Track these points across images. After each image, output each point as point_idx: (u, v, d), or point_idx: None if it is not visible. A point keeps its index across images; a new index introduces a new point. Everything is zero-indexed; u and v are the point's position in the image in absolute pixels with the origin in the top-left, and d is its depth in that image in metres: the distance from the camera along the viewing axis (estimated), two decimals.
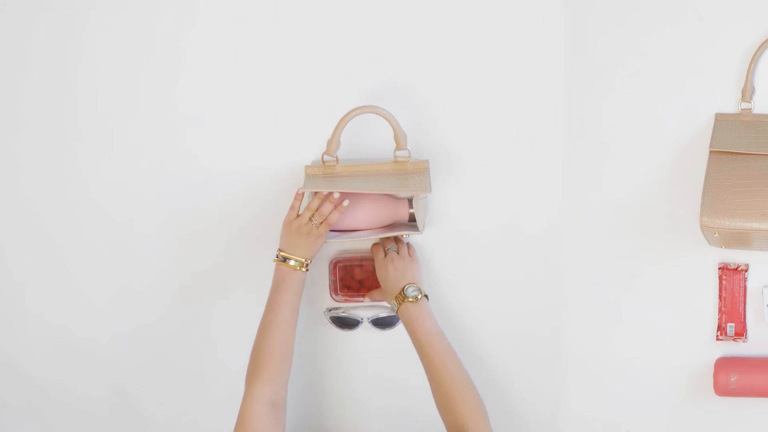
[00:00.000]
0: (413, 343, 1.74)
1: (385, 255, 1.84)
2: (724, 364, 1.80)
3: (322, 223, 1.78)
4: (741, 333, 1.81)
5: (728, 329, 1.82)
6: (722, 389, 1.79)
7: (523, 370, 1.90)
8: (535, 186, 1.87)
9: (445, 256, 1.89)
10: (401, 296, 1.77)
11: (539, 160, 1.86)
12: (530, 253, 1.89)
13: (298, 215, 1.80)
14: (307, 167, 1.83)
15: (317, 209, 1.77)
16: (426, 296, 1.78)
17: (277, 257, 1.80)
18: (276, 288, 1.79)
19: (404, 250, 1.85)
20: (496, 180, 1.87)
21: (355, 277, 1.89)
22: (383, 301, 1.85)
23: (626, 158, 1.84)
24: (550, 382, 1.90)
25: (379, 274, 1.83)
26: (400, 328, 1.82)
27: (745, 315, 1.81)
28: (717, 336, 1.82)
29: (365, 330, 1.91)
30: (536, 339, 1.90)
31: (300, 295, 1.79)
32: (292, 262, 1.78)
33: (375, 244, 1.88)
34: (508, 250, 1.89)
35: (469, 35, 1.84)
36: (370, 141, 1.85)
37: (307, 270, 1.80)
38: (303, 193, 1.79)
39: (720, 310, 1.82)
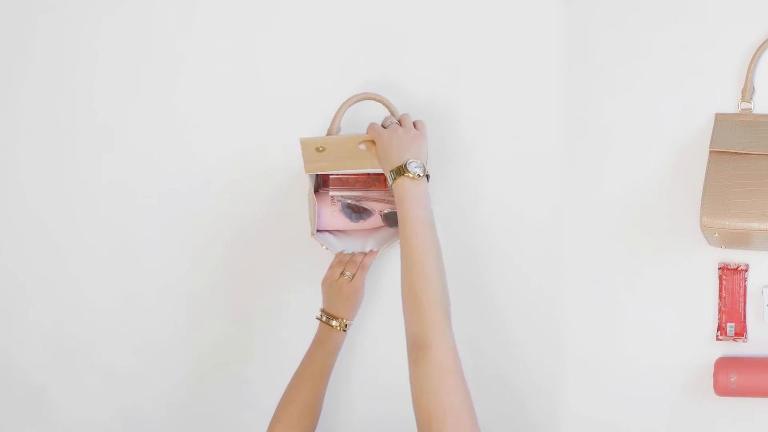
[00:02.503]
0: (400, 230, 1.55)
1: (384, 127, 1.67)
2: (724, 364, 1.80)
3: (355, 274, 1.77)
4: (741, 333, 1.81)
5: (728, 329, 1.82)
6: (722, 389, 1.79)
7: (522, 370, 1.90)
8: (534, 186, 1.87)
9: (444, 256, 1.85)
10: (402, 168, 1.57)
11: (539, 159, 1.86)
12: (530, 254, 1.89)
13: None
14: (302, 140, 1.72)
15: (348, 261, 1.78)
16: (428, 176, 1.60)
17: (320, 317, 1.79)
18: (313, 345, 1.77)
19: (409, 122, 1.67)
20: (495, 179, 1.87)
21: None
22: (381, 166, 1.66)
23: (626, 158, 1.85)
24: (549, 382, 1.90)
25: (380, 143, 1.63)
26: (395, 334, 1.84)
27: (745, 315, 1.81)
28: (717, 336, 1.82)
29: (358, 335, 1.91)
30: (536, 339, 1.89)
31: (334, 355, 1.77)
32: (333, 323, 1.77)
33: (369, 125, 1.70)
34: (506, 250, 1.89)
35: (469, 34, 1.84)
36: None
37: (345, 331, 1.78)
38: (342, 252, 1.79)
39: (720, 310, 1.82)
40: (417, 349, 1.44)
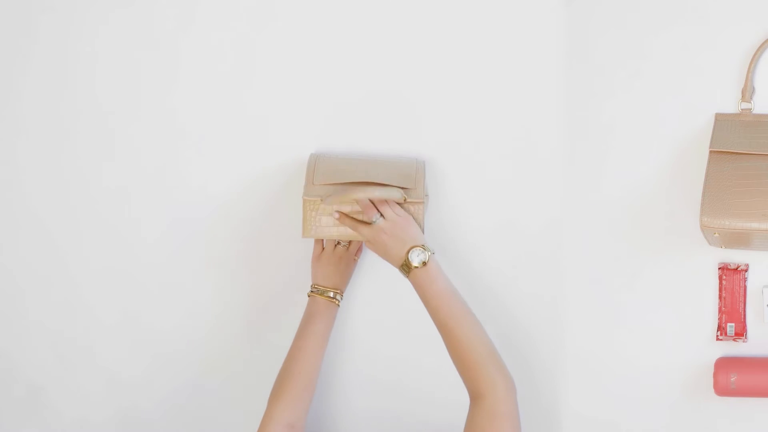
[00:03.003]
0: (425, 306, 1.65)
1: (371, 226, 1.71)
2: (724, 364, 1.80)
3: (350, 243, 1.80)
4: (741, 333, 1.81)
5: (728, 329, 1.82)
6: (722, 389, 1.79)
7: (523, 371, 1.89)
8: (534, 186, 1.87)
9: (444, 256, 1.87)
10: (407, 266, 1.66)
11: (539, 160, 1.86)
12: (530, 254, 1.89)
13: (323, 248, 1.82)
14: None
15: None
16: (432, 253, 1.67)
17: (313, 291, 1.81)
18: (308, 319, 1.79)
19: (389, 212, 1.71)
20: (495, 180, 1.87)
21: None
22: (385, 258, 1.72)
23: (626, 158, 1.84)
24: (550, 383, 1.90)
25: (376, 250, 1.71)
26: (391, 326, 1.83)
27: (745, 315, 1.81)
28: (717, 336, 1.82)
29: (356, 331, 1.91)
30: (536, 339, 1.89)
31: (330, 328, 1.80)
32: (330, 294, 1.79)
33: (356, 223, 1.74)
34: (507, 250, 1.88)
35: (469, 35, 1.84)
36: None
37: (339, 303, 1.81)
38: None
39: (720, 310, 1.82)
40: (473, 399, 1.58)
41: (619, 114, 1.84)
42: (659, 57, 1.82)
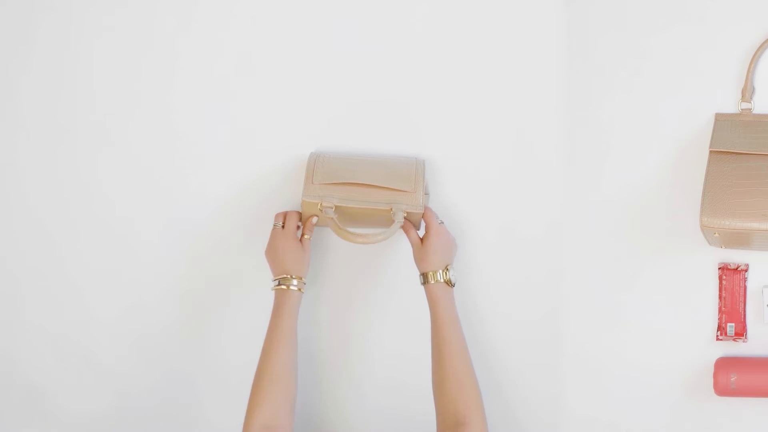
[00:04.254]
0: (433, 322, 1.73)
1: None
2: (724, 364, 1.80)
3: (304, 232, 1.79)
4: (741, 333, 1.81)
5: (728, 329, 1.82)
6: (722, 389, 1.78)
7: (523, 371, 1.90)
8: (534, 186, 1.87)
9: None
10: (444, 273, 1.74)
11: (539, 160, 1.86)
12: (530, 254, 1.88)
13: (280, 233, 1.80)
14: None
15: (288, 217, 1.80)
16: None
17: (281, 284, 1.76)
18: (278, 315, 1.75)
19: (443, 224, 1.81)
20: (495, 180, 1.87)
21: None
22: (420, 263, 1.77)
23: (626, 158, 1.85)
24: (549, 383, 1.90)
25: (430, 242, 1.76)
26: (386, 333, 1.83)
27: (745, 315, 1.81)
28: (717, 336, 1.82)
29: (359, 329, 1.91)
30: (536, 340, 1.89)
31: (295, 318, 1.75)
32: (295, 283, 1.75)
33: (426, 212, 1.79)
34: (507, 251, 1.88)
35: (468, 34, 1.84)
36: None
37: (301, 290, 1.76)
38: (282, 213, 1.80)
39: (720, 310, 1.82)
40: (454, 428, 1.63)
41: (620, 114, 1.84)
42: (659, 57, 1.82)
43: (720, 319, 1.82)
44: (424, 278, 1.75)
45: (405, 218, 1.76)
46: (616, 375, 1.88)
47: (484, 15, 1.83)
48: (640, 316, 1.85)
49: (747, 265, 1.81)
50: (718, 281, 1.82)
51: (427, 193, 1.82)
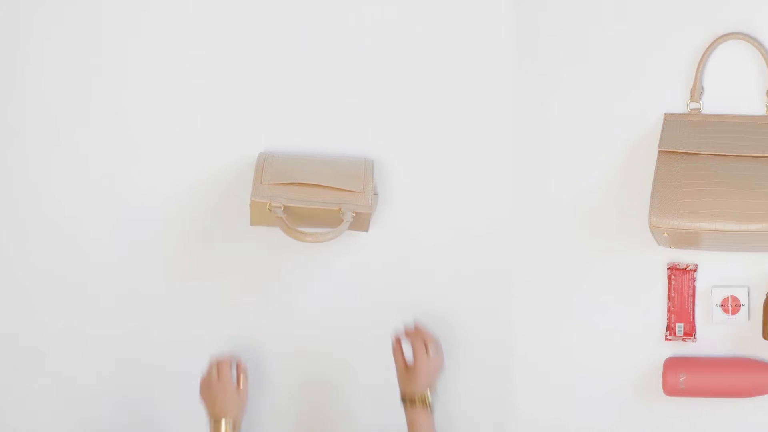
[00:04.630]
0: None
1: (427, 351, 1.74)
2: (673, 364, 1.80)
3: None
4: (690, 333, 1.81)
5: (677, 329, 1.82)
6: (671, 389, 1.79)
7: (472, 371, 1.89)
8: (484, 186, 1.86)
9: (392, 258, 1.87)
10: (422, 400, 1.72)
11: (488, 160, 1.86)
12: (479, 254, 1.88)
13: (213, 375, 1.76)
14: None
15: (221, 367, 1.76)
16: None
17: (210, 425, 1.74)
18: None
19: (434, 349, 1.76)
20: (443, 179, 1.86)
21: None
22: (402, 385, 1.75)
23: (575, 158, 1.84)
24: (499, 383, 1.89)
25: (416, 373, 1.73)
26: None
27: (694, 315, 1.81)
28: (666, 336, 1.82)
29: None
30: (486, 340, 1.88)
31: None
32: (229, 427, 1.72)
33: (415, 344, 1.76)
34: (456, 251, 1.87)
35: (417, 35, 1.84)
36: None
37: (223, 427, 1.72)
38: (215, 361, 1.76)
39: (669, 310, 1.82)
40: None
41: (569, 114, 1.84)
42: (608, 57, 1.82)
43: (669, 319, 1.82)
44: (403, 401, 1.74)
45: (394, 344, 1.77)
46: (565, 375, 1.88)
47: (433, 15, 1.83)
48: (589, 316, 1.85)
49: (696, 265, 1.81)
50: (667, 281, 1.82)
51: (375, 194, 1.81)
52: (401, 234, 1.87)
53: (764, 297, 1.76)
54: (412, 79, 1.84)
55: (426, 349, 1.74)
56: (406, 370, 1.75)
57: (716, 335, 1.82)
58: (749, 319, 1.79)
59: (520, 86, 1.84)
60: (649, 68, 1.80)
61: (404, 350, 1.77)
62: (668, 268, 1.82)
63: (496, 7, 1.82)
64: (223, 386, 1.73)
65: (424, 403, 1.72)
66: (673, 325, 1.82)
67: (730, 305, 1.79)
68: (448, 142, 1.86)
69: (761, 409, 1.80)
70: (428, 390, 1.73)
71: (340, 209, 1.74)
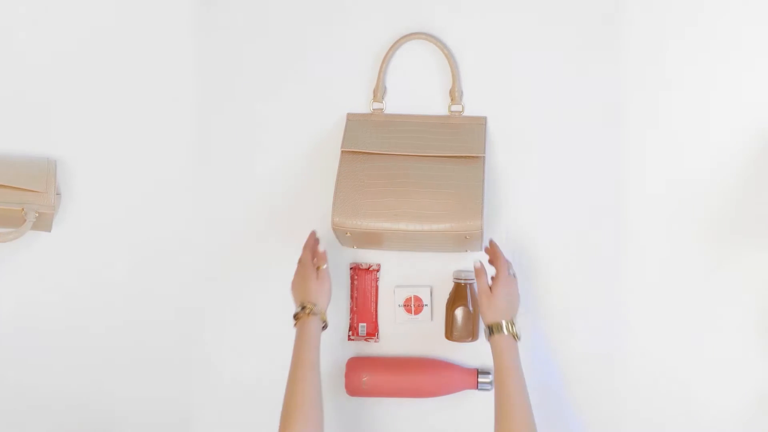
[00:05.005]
0: (497, 375, 1.63)
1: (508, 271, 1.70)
2: (355, 364, 1.80)
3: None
4: (373, 333, 1.82)
5: (360, 329, 1.82)
6: (354, 389, 1.79)
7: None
8: (167, 187, 1.85)
9: (75, 257, 1.85)
10: (511, 326, 1.65)
11: (174, 162, 1.85)
12: (166, 253, 1.86)
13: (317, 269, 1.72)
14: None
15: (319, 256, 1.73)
16: None
17: (304, 314, 1.67)
18: (307, 346, 1.64)
19: (512, 272, 1.72)
20: (128, 181, 1.85)
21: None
22: (484, 312, 1.67)
23: (264, 159, 1.83)
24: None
25: (500, 291, 1.67)
26: None
27: (377, 315, 1.82)
28: (349, 336, 1.82)
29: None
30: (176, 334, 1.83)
31: (318, 347, 1.65)
32: (316, 313, 1.67)
33: (498, 260, 1.71)
34: (144, 255, 1.86)
35: (101, 35, 1.83)
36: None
37: (316, 315, 1.66)
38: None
39: (352, 310, 1.82)
40: None
41: (260, 116, 1.82)
42: (294, 58, 1.81)
43: (352, 319, 1.82)
44: (491, 330, 1.65)
45: (478, 268, 1.69)
46: (241, 378, 1.85)
47: (117, 15, 1.82)
48: (272, 317, 1.82)
49: (379, 265, 1.82)
50: (350, 281, 1.81)
51: (58, 194, 1.79)
52: (85, 234, 1.84)
53: (447, 297, 1.79)
54: (96, 79, 1.82)
55: (508, 269, 1.70)
56: (490, 294, 1.67)
57: (399, 335, 1.83)
58: (432, 319, 1.82)
59: (205, 89, 1.83)
60: (334, 68, 1.80)
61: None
62: (351, 268, 1.82)
63: (180, 10, 1.82)
64: (303, 269, 1.71)
65: (511, 329, 1.65)
66: (356, 325, 1.82)
67: (413, 305, 1.81)
68: (133, 142, 1.84)
69: (444, 409, 1.82)
70: (512, 318, 1.66)
71: (23, 209, 1.71)
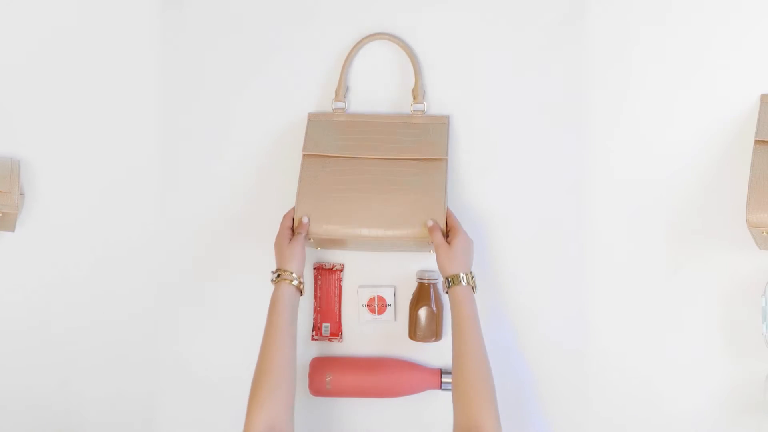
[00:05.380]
0: (456, 325, 1.65)
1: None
2: (319, 364, 1.79)
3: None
4: (336, 333, 1.82)
5: (324, 329, 1.82)
6: (318, 389, 1.78)
7: None
8: (131, 190, 1.85)
9: (39, 257, 1.85)
10: (469, 277, 1.67)
11: (136, 162, 1.85)
12: (129, 256, 1.86)
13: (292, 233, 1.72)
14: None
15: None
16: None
17: (282, 277, 1.67)
18: (280, 310, 1.64)
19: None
20: (92, 182, 1.85)
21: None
22: (443, 265, 1.68)
23: (232, 159, 1.82)
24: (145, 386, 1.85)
25: (458, 242, 1.68)
26: None
27: (340, 315, 1.82)
28: (312, 336, 1.82)
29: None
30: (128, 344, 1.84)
31: (292, 313, 1.65)
32: (297, 281, 1.66)
33: (451, 220, 1.73)
34: (104, 259, 1.85)
35: (66, 36, 1.82)
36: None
37: (293, 283, 1.66)
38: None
39: (315, 310, 1.82)
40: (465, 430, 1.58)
41: (223, 117, 1.82)
42: (257, 58, 1.81)
43: (315, 319, 1.81)
44: (451, 281, 1.67)
45: (431, 225, 1.70)
46: (207, 377, 1.85)
47: (83, 15, 1.82)
48: (231, 319, 1.82)
49: (342, 265, 1.82)
50: (313, 281, 1.81)
51: (22, 194, 1.79)
52: (48, 234, 1.84)
53: (410, 297, 1.78)
54: (59, 78, 1.82)
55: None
56: (448, 247, 1.68)
57: (363, 335, 1.82)
58: (396, 319, 1.81)
59: (168, 89, 1.82)
60: (296, 67, 1.79)
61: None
62: (315, 268, 1.81)
63: (143, 10, 1.81)
64: (281, 237, 1.71)
65: (470, 280, 1.67)
66: (319, 324, 1.81)
67: (376, 305, 1.80)
68: (96, 142, 1.84)
69: (408, 408, 1.82)
70: (470, 269, 1.69)
71: None
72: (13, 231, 1.79)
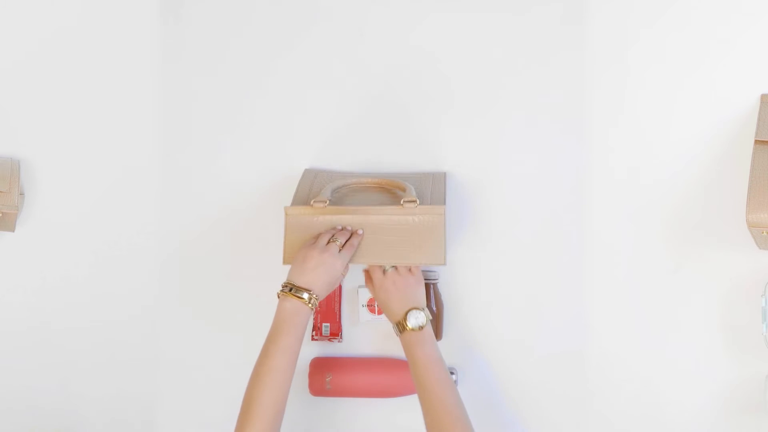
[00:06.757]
0: (411, 367, 1.62)
1: (384, 274, 1.67)
2: (319, 364, 1.79)
3: (344, 245, 1.63)
4: (336, 333, 1.82)
5: (324, 329, 1.82)
6: (318, 389, 1.78)
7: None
8: (131, 190, 1.85)
9: (39, 258, 1.85)
10: (402, 324, 1.63)
11: (135, 163, 1.85)
12: (126, 257, 1.86)
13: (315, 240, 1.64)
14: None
15: (339, 232, 1.64)
16: (430, 319, 1.66)
17: (283, 290, 1.60)
18: (276, 330, 1.58)
19: (403, 267, 1.67)
20: (92, 182, 1.85)
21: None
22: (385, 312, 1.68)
23: (234, 157, 1.83)
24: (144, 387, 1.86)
25: (379, 296, 1.67)
26: None
27: (340, 315, 1.82)
28: (312, 336, 1.82)
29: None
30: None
31: (301, 339, 1.59)
32: (305, 295, 1.58)
33: (370, 266, 1.70)
34: (105, 260, 1.86)
35: (70, 35, 1.83)
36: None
37: (313, 308, 1.60)
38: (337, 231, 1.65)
39: (315, 310, 1.80)
40: None
41: (224, 117, 1.83)
42: (261, 59, 1.82)
43: (315, 319, 1.82)
44: (397, 328, 1.66)
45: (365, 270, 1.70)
46: (206, 378, 1.85)
47: (80, 16, 1.83)
48: (241, 316, 1.82)
49: None
50: None
51: (22, 194, 1.80)
52: (48, 234, 1.85)
53: None
54: (60, 79, 1.83)
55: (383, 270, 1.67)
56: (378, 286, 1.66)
57: (363, 335, 1.82)
58: None
59: (168, 90, 1.83)
60: (302, 70, 1.80)
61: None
62: None
63: (144, 9, 1.82)
64: (330, 257, 1.61)
65: (406, 324, 1.62)
66: (319, 325, 1.82)
67: (376, 305, 1.80)
68: (96, 142, 1.84)
69: (408, 408, 1.80)
70: (406, 312, 1.63)
71: None
72: (13, 231, 1.79)
